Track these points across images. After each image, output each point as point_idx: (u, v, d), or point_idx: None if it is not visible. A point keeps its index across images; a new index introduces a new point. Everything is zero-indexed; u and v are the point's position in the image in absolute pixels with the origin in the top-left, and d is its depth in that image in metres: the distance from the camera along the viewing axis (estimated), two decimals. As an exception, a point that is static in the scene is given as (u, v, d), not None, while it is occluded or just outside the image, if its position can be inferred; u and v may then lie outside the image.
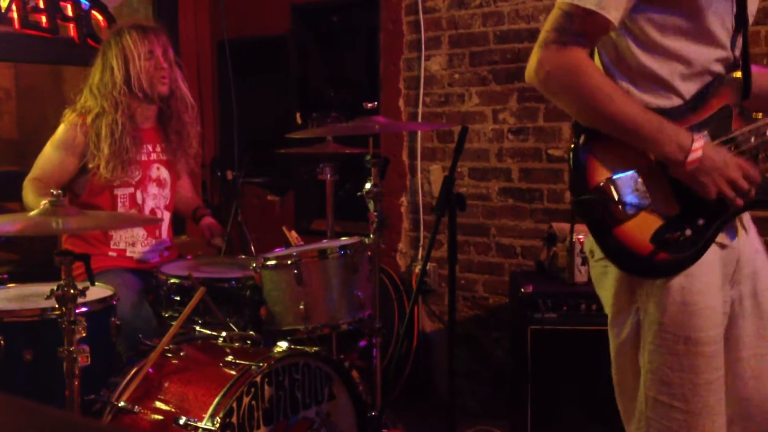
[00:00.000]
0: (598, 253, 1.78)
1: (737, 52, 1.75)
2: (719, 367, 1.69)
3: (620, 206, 1.65)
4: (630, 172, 1.67)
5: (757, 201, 1.72)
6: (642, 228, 1.66)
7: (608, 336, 1.81)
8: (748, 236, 1.80)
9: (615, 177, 1.67)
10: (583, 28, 1.63)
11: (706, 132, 1.69)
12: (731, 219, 1.72)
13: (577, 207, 1.71)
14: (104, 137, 2.94)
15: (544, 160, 3.75)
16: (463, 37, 3.93)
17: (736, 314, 1.75)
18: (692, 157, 1.62)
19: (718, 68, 1.73)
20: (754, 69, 1.79)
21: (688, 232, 1.65)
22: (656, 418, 1.70)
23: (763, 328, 1.77)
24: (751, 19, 1.76)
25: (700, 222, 1.66)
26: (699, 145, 1.63)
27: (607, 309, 1.80)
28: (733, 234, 1.74)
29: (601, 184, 1.66)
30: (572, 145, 1.71)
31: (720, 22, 1.69)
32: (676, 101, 1.70)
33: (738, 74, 1.75)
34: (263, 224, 4.53)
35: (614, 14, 1.61)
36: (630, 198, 1.66)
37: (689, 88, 1.70)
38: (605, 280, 1.78)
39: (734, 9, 1.70)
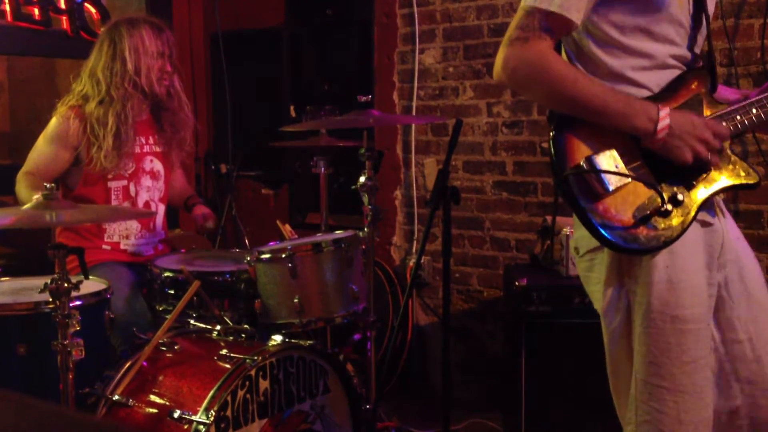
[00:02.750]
0: (583, 248, 1.83)
1: (697, 49, 1.83)
2: (705, 346, 1.73)
3: (600, 182, 1.70)
4: (609, 150, 1.73)
5: (736, 185, 1.80)
6: (624, 203, 1.71)
7: (601, 328, 1.84)
8: (726, 222, 1.85)
9: (594, 155, 1.72)
10: (546, 25, 1.70)
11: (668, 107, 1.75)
12: (709, 198, 1.77)
13: (559, 187, 1.75)
14: (110, 127, 2.91)
15: (538, 153, 3.76)
16: (457, 30, 3.93)
17: (723, 297, 1.80)
18: (661, 125, 1.69)
19: (676, 63, 1.80)
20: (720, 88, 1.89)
21: (669, 206, 1.69)
22: (645, 401, 1.73)
23: (754, 311, 1.81)
24: (710, 15, 1.84)
25: (680, 197, 1.71)
26: (665, 113, 1.70)
27: (597, 302, 1.83)
28: (713, 213, 1.80)
29: (581, 162, 1.71)
30: (551, 133, 1.77)
31: (676, 22, 1.76)
32: (645, 93, 1.77)
33: (703, 68, 1.83)
34: (257, 218, 4.53)
35: (576, 15, 1.69)
36: (609, 174, 1.70)
37: (656, 81, 1.78)
38: (592, 275, 1.82)
39: (691, 8, 1.78)
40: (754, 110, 1.79)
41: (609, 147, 1.73)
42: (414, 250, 4.12)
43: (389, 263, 4.13)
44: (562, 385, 3.03)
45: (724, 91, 1.95)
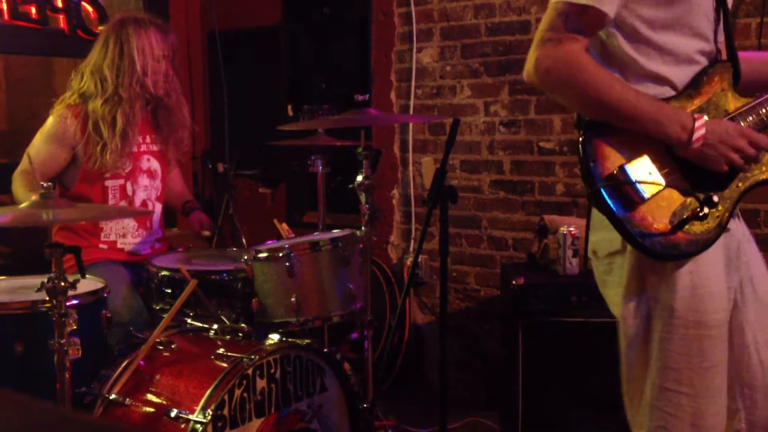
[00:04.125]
0: (602, 252, 1.80)
1: (719, 44, 1.81)
2: (723, 350, 1.73)
3: (636, 191, 1.68)
4: (641, 158, 1.71)
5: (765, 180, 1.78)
6: (659, 210, 1.69)
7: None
8: (740, 224, 1.84)
9: (627, 164, 1.69)
10: (579, 25, 1.68)
11: (704, 116, 1.73)
12: (743, 195, 1.76)
13: (592, 198, 1.72)
14: (118, 128, 2.90)
15: (535, 152, 3.76)
16: (454, 29, 3.93)
17: (737, 301, 1.79)
18: (697, 135, 1.67)
19: (702, 59, 1.78)
20: (741, 54, 1.84)
21: (705, 209, 1.68)
22: (661, 407, 1.72)
23: (761, 315, 1.81)
24: (729, 6, 1.82)
25: (715, 199, 1.69)
26: (701, 123, 1.68)
27: (615, 307, 1.80)
28: (734, 217, 1.78)
29: (615, 172, 1.69)
30: (580, 139, 1.74)
31: (704, 14, 1.75)
32: (669, 92, 1.75)
33: (725, 61, 1.80)
34: (254, 216, 4.52)
35: (609, 7, 1.67)
36: (644, 182, 1.68)
37: (680, 78, 1.76)
38: (610, 278, 1.80)
39: (714, 1, 1.76)
40: None
41: (640, 153, 1.70)
42: (411, 249, 4.12)
43: (386, 262, 4.13)
44: (559, 384, 3.03)
45: (753, 57, 1.91)
